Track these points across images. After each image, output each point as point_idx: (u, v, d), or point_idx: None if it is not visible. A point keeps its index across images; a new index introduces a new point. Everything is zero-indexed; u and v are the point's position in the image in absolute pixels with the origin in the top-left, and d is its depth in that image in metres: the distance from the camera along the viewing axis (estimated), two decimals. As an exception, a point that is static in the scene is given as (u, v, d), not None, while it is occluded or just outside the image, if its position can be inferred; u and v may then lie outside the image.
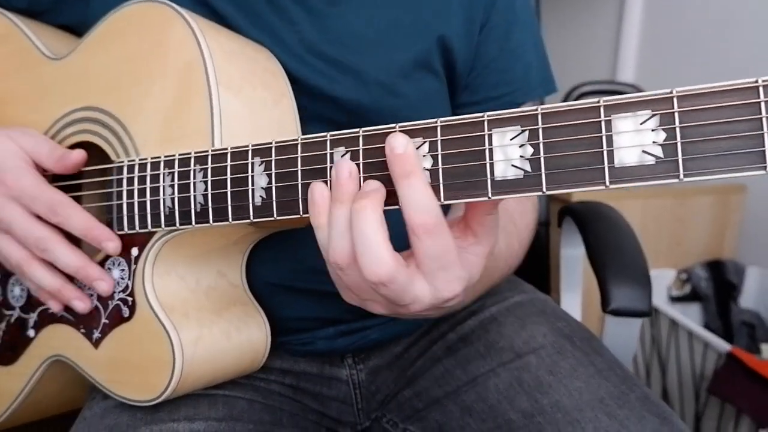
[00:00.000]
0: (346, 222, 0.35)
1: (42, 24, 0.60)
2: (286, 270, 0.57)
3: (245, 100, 0.48)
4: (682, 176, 0.30)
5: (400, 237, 0.36)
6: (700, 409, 1.13)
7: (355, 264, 0.36)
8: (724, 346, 1.06)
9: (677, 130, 0.30)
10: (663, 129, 0.30)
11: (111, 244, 0.49)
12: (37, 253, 0.50)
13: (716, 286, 1.31)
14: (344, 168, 0.36)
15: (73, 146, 0.54)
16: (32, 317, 0.55)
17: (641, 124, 0.30)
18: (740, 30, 1.29)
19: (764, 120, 0.28)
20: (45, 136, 0.54)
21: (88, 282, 0.50)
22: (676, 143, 0.30)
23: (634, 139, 0.31)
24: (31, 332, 0.55)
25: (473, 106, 0.62)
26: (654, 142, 0.30)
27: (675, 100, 0.30)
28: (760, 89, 0.28)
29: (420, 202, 0.34)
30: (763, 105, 0.28)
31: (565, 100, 1.08)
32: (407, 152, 0.34)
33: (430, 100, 0.59)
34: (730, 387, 1.03)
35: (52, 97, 0.55)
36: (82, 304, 0.51)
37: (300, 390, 0.62)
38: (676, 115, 0.30)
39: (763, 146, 0.28)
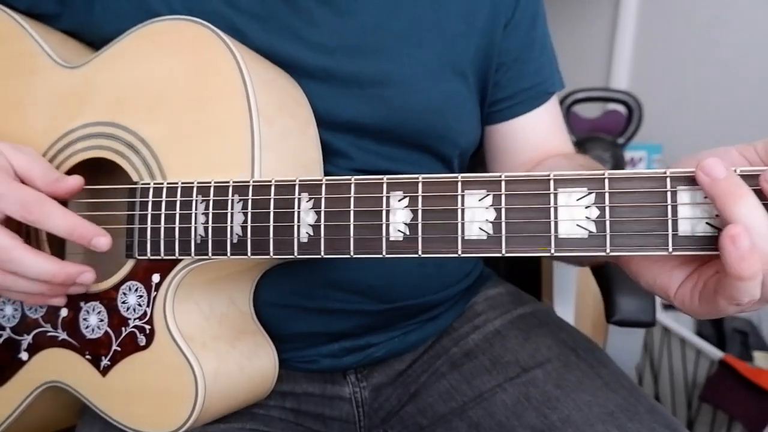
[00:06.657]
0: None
1: (48, 28, 0.58)
2: (290, 289, 0.58)
3: (279, 130, 0.49)
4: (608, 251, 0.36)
5: None
6: (692, 416, 1.18)
7: None
8: (716, 353, 1.12)
9: (606, 209, 0.35)
10: (596, 206, 0.36)
11: (103, 239, 0.48)
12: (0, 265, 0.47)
13: (710, 294, 1.36)
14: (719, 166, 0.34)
15: (84, 162, 0.54)
16: (26, 339, 0.55)
17: (578, 200, 0.36)
18: (734, 37, 1.34)
19: (669, 208, 0.33)
20: (41, 156, 0.53)
21: (72, 281, 0.49)
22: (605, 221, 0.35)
23: (572, 213, 0.36)
24: (23, 355, 0.55)
25: (506, 101, 0.65)
26: (587, 217, 0.36)
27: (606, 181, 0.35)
28: (668, 180, 0.33)
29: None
30: (668, 194, 0.33)
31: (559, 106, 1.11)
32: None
33: (455, 103, 0.61)
34: (722, 394, 1.09)
35: (64, 106, 0.54)
36: (89, 275, 0.49)
37: (301, 413, 0.63)
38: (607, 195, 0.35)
39: (667, 231, 0.34)
